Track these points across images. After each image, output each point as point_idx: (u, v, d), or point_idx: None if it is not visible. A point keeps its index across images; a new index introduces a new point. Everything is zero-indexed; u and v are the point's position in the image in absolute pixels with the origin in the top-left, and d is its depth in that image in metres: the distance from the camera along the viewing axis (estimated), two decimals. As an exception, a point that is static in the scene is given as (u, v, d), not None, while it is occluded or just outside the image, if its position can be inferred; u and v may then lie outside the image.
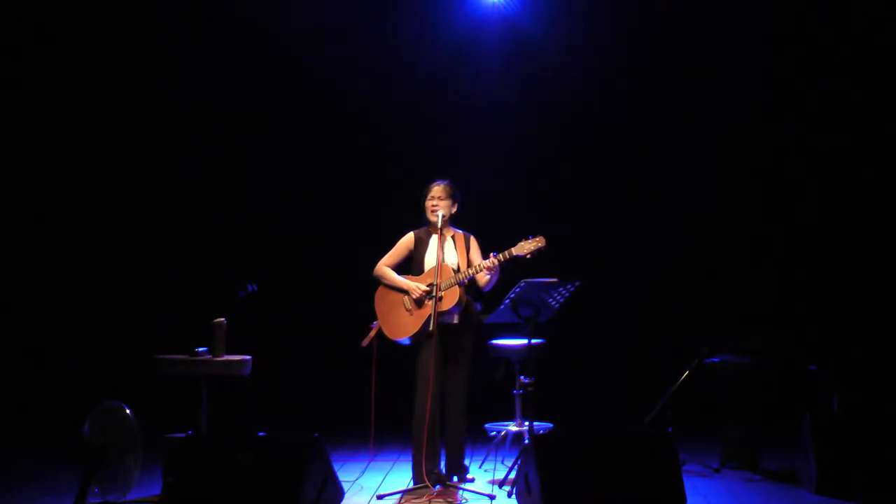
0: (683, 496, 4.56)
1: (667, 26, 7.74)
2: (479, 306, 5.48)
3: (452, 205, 5.45)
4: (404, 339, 5.38)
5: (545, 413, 6.13)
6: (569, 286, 5.22)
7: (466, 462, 5.57)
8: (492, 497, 5.17)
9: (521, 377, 5.73)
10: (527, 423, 5.56)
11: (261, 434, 5.15)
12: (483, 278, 5.35)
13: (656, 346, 7.62)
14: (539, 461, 4.56)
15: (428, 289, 5.24)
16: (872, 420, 5.34)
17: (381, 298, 5.45)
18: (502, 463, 5.91)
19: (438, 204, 5.39)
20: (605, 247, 7.95)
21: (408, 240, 5.53)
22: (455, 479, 5.39)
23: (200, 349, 5.45)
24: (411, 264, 5.49)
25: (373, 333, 5.44)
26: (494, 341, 6.05)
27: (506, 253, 5.19)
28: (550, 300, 5.27)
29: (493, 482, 5.54)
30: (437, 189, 5.44)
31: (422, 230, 5.53)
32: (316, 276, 8.02)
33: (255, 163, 8.03)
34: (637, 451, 4.66)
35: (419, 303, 5.32)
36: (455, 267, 5.38)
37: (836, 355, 6.30)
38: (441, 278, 5.22)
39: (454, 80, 7.90)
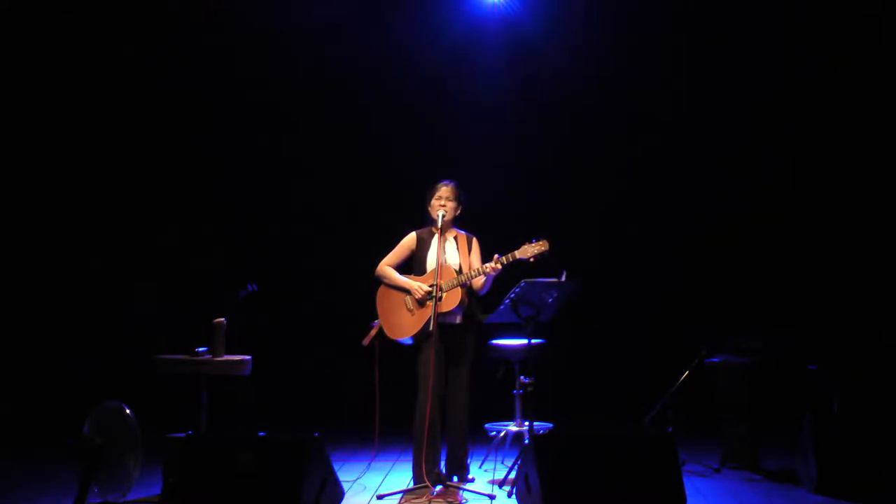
0: (683, 496, 4.56)
1: (667, 26, 7.73)
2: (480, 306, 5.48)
3: (457, 207, 5.47)
4: (406, 339, 5.38)
5: (545, 413, 6.13)
6: (567, 286, 5.21)
7: (467, 461, 5.56)
8: (492, 497, 5.17)
9: (521, 377, 5.73)
10: (527, 423, 5.55)
11: (261, 434, 5.15)
12: (479, 281, 5.35)
13: (656, 346, 7.62)
14: (539, 461, 4.56)
15: (430, 289, 5.22)
16: (872, 420, 5.34)
17: (383, 298, 5.45)
18: (502, 463, 5.90)
19: (446, 204, 5.40)
20: (605, 247, 7.95)
21: (410, 240, 5.53)
22: (455, 478, 5.39)
23: (200, 349, 5.46)
24: (413, 264, 5.48)
25: (373, 332, 5.44)
26: (494, 341, 6.03)
27: (509, 256, 5.19)
28: (550, 300, 5.27)
29: (493, 482, 5.55)
30: (445, 190, 5.45)
31: (424, 230, 5.53)
32: (316, 277, 8.01)
33: (256, 163, 8.03)
34: (637, 451, 4.66)
35: (421, 303, 5.31)
36: (457, 268, 5.37)
37: (835, 355, 6.29)
38: (443, 279, 5.22)
39: (454, 81, 7.91)
